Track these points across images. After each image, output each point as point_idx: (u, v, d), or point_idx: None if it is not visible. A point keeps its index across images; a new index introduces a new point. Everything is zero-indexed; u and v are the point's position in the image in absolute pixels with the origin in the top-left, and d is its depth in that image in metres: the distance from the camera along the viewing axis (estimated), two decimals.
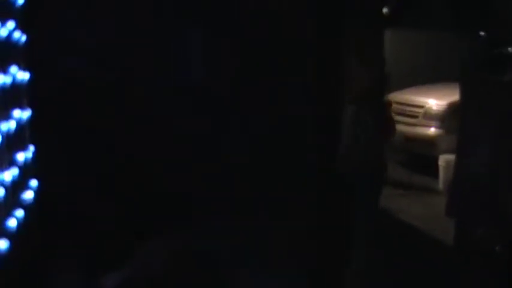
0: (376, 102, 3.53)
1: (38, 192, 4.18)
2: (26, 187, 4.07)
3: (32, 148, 4.21)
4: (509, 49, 9.64)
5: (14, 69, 3.84)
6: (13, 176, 3.65)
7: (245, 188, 4.81)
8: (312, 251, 2.31)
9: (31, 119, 4.21)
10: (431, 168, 7.90)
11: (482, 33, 11.94)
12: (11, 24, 3.79)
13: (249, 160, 4.80)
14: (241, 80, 4.91)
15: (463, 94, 6.03)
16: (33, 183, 4.21)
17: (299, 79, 3.91)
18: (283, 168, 4.10)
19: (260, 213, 4.40)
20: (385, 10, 6.37)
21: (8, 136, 3.61)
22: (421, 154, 8.11)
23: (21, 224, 3.69)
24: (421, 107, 8.91)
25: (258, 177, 4.71)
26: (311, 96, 2.36)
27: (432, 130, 8.55)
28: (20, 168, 3.85)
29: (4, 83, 3.65)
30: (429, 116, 8.59)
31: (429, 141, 8.44)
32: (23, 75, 4.07)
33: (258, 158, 4.81)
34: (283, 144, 4.27)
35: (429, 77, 9.92)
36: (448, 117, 7.91)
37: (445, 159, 7.59)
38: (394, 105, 9.25)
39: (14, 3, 3.94)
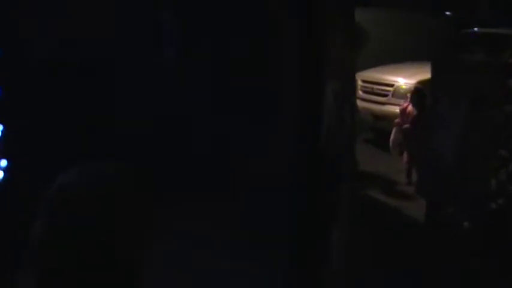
0: (355, 81, 3.53)
1: (7, 171, 4.09)
2: None
3: (0, 127, 4.11)
4: (476, 29, 9.79)
5: None
6: None
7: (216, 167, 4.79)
8: (294, 232, 2.31)
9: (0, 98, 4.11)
10: None
11: (448, 13, 12.08)
12: None
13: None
14: (220, 61, 4.87)
15: (433, 74, 6.07)
16: (3, 163, 4.11)
17: (281, 59, 3.89)
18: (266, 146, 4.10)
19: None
20: None
21: None
22: (390, 132, 8.16)
23: None
24: (391, 85, 8.95)
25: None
26: (294, 76, 2.35)
27: None
28: None
29: None
30: (399, 95, 8.64)
31: None
32: None
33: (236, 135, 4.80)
34: (266, 123, 4.27)
35: (398, 56, 9.97)
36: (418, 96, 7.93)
37: None
38: (363, 84, 9.32)
39: None
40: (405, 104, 7.49)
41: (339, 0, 3.28)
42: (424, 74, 7.31)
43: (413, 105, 7.27)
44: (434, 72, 6.05)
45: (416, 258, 4.88)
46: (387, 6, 11.68)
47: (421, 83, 8.00)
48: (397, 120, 7.44)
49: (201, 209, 4.83)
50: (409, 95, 7.73)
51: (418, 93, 7.42)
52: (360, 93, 9.18)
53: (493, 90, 5.36)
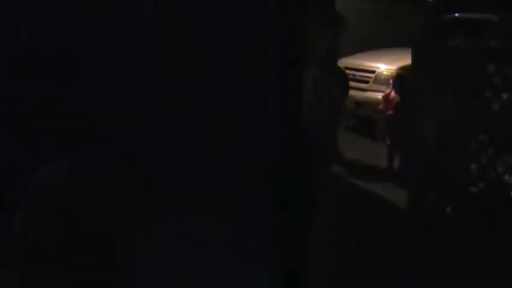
0: (337, 64, 3.53)
1: None
2: None
3: None
4: (456, 14, 9.82)
5: None
6: None
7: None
8: (277, 217, 2.31)
9: None
10: None
11: None
12: None
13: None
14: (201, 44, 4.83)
15: (414, 60, 6.09)
16: None
17: (262, 43, 3.88)
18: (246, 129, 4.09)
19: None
20: None
21: None
22: (371, 119, 8.18)
23: None
24: (372, 72, 8.95)
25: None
26: (274, 58, 2.35)
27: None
28: None
29: None
30: (380, 81, 8.66)
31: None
32: None
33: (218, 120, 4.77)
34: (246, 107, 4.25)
35: (379, 43, 9.97)
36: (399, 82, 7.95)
37: None
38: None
39: None
40: (388, 91, 7.49)
41: None
42: (405, 60, 7.32)
43: (395, 92, 7.28)
44: (415, 58, 6.07)
45: (398, 244, 4.91)
46: None
47: (403, 69, 8.01)
48: (380, 106, 7.47)
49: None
50: (391, 81, 7.75)
51: (399, 79, 7.43)
52: None
53: (474, 75, 5.39)
